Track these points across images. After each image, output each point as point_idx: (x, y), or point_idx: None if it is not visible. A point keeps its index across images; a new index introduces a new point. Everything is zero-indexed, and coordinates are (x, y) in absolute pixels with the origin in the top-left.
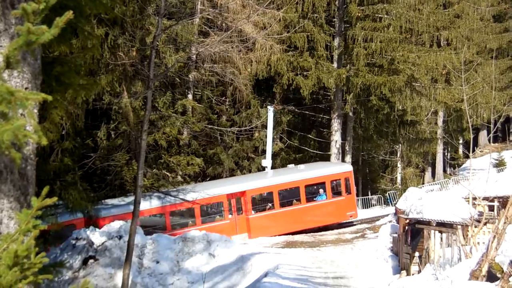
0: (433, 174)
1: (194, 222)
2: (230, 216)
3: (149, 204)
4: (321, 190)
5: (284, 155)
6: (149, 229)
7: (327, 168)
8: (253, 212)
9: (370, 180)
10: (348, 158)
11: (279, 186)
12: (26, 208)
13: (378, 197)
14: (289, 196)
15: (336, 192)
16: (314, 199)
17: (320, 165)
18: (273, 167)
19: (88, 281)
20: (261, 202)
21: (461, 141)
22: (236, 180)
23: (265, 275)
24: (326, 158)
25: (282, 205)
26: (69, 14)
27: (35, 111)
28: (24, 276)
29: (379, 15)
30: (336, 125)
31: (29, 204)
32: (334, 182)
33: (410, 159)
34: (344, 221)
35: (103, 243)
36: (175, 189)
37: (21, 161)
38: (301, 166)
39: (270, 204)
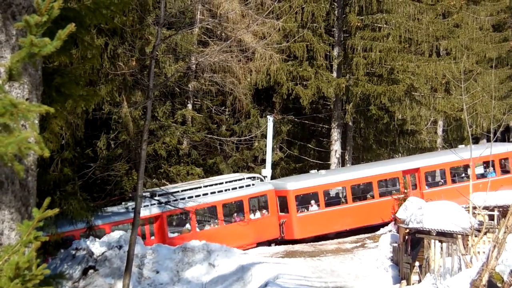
0: None
1: (372, 195)
2: (405, 190)
3: (331, 179)
4: (491, 168)
5: (284, 165)
6: (331, 201)
7: (495, 148)
8: (426, 187)
9: None
10: None
11: (450, 164)
12: (27, 219)
13: None
14: (460, 173)
15: (504, 170)
16: (485, 175)
17: (487, 145)
18: (273, 177)
19: None
20: (434, 178)
21: None
22: (411, 158)
23: (265, 285)
24: (326, 167)
25: (453, 181)
26: (71, 27)
27: (36, 122)
28: (26, 287)
29: (379, 25)
30: (335, 134)
31: (30, 215)
32: (503, 160)
33: None
34: None
35: (103, 253)
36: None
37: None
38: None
39: (442, 181)
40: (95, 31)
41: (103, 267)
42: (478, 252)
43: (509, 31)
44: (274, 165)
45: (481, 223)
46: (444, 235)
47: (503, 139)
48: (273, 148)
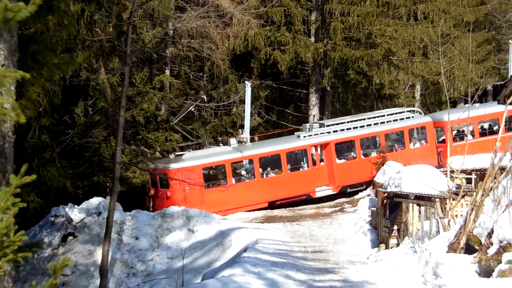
0: None
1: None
2: None
3: (486, 111)
4: None
5: (262, 130)
6: (485, 132)
7: None
8: None
9: None
10: None
11: None
12: (4, 185)
13: None
14: None
15: None
16: None
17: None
18: (251, 142)
19: (68, 258)
20: None
21: None
22: None
23: (245, 250)
24: None
25: None
26: None
27: (12, 88)
28: (4, 254)
29: None
30: (314, 99)
31: (8, 182)
32: None
33: None
34: None
35: (82, 220)
36: None
37: None
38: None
39: None
40: None
41: (82, 233)
42: (456, 215)
43: None
44: (252, 130)
45: (459, 187)
46: (422, 199)
47: (481, 102)
48: (251, 113)
